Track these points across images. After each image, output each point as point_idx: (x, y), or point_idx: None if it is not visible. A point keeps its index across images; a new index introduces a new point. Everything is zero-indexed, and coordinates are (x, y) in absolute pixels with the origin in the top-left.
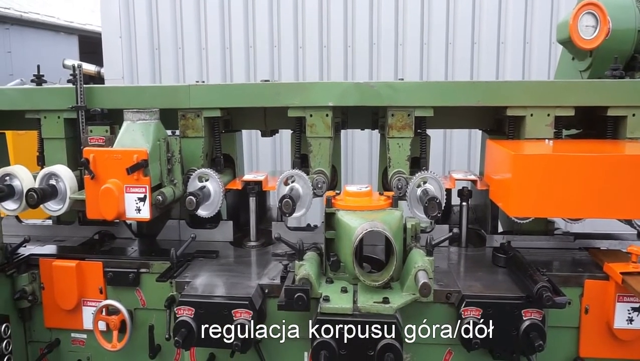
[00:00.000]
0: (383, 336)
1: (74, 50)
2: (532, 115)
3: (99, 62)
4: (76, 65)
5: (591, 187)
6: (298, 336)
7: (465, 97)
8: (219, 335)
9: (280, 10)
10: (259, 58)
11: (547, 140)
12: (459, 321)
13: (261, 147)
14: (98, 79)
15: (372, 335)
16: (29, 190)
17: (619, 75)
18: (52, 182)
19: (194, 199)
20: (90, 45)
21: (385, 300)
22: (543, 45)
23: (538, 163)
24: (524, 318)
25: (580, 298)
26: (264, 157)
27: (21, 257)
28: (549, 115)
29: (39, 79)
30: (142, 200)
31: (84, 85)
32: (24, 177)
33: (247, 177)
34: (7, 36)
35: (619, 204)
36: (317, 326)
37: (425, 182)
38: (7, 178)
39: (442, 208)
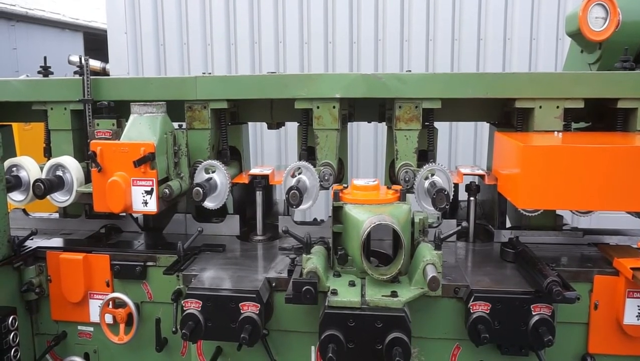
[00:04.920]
0: (391, 330)
1: (79, 47)
2: (540, 107)
3: (104, 59)
4: (83, 58)
5: (601, 179)
6: (305, 330)
7: (473, 89)
8: (226, 328)
9: (285, 6)
10: (264, 54)
11: (556, 133)
12: (468, 315)
13: (266, 141)
14: (103, 75)
15: (381, 328)
16: (35, 181)
17: (629, 66)
18: (59, 173)
19: (200, 190)
20: (95, 42)
21: (394, 294)
22: (550, 41)
23: (547, 154)
24: (533, 313)
25: (589, 293)
26: (269, 151)
27: (28, 250)
28: (558, 107)
29: (45, 71)
30: (149, 193)
31: (91, 77)
32: (30, 168)
33: (254, 170)
34: (13, 33)
35: (629, 196)
36: (324, 319)
37: (432, 174)
38: (14, 169)
39: (450, 200)
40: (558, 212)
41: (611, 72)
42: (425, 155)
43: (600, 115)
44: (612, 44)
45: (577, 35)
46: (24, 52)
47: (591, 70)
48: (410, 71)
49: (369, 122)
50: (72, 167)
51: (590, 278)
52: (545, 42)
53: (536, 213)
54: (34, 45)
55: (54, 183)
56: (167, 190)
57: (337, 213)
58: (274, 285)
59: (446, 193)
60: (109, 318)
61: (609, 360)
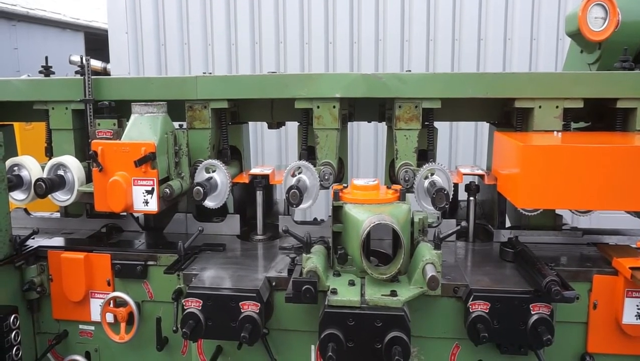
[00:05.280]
0: (391, 329)
1: (80, 46)
2: (540, 107)
3: (104, 59)
4: (84, 58)
5: (600, 179)
6: (305, 329)
7: (473, 88)
8: (227, 327)
9: (286, 6)
10: (265, 54)
11: (555, 132)
12: (467, 315)
13: (266, 140)
14: (104, 75)
15: (380, 327)
16: (37, 180)
17: (629, 66)
18: (60, 172)
19: (201, 189)
20: (96, 42)
21: (393, 293)
22: (550, 41)
23: (546, 154)
24: (532, 313)
25: (588, 293)
26: (269, 151)
27: (30, 249)
28: (557, 107)
29: (47, 70)
30: (150, 192)
31: (92, 77)
32: (32, 167)
33: (254, 170)
34: (14, 33)
35: (629, 196)
36: (324, 318)
37: (432, 174)
38: (16, 168)
39: (450, 199)
40: (557, 211)
41: (610, 72)
42: (425, 154)
43: (599, 115)
44: (612, 44)
45: (576, 35)
46: (25, 52)
47: (591, 70)
48: (410, 71)
49: (369, 121)
50: (73, 166)
51: (590, 278)
52: (546, 42)
53: (536, 213)
54: (35, 45)
55: (55, 183)
56: (167, 190)
57: (337, 213)
58: (274, 284)
59: (446, 192)
60: (110, 317)
61: (608, 360)
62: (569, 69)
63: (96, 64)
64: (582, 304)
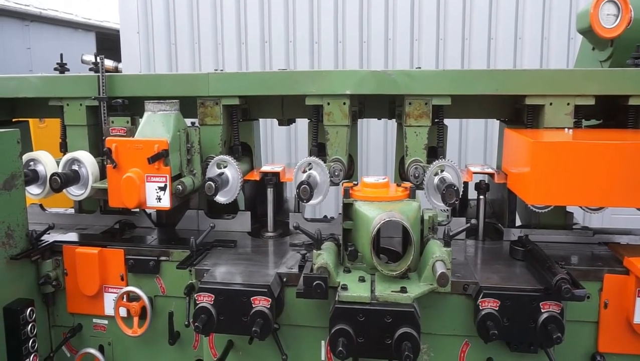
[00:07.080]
0: (401, 325)
1: (92, 46)
2: (551, 104)
3: (116, 58)
4: (98, 57)
5: (610, 175)
6: (316, 325)
7: (483, 85)
8: (238, 321)
9: (295, 6)
10: (275, 53)
11: (566, 129)
12: (477, 312)
13: (276, 138)
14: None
15: (390, 323)
16: (52, 175)
17: None
18: (75, 167)
19: (213, 184)
20: (107, 42)
21: (403, 290)
22: (561, 40)
23: (557, 150)
24: (542, 311)
25: (599, 292)
26: (279, 148)
27: (45, 244)
28: (568, 104)
29: (62, 67)
30: (163, 189)
31: (105, 74)
32: (47, 162)
33: (265, 168)
34: (27, 33)
35: (639, 192)
36: (335, 314)
37: (442, 170)
38: (32, 163)
39: (460, 195)
40: (568, 209)
41: (622, 69)
42: (435, 152)
43: (611, 113)
44: (624, 40)
45: (588, 33)
46: (38, 51)
47: (603, 68)
48: (420, 68)
49: (379, 118)
50: (87, 161)
51: (600, 277)
52: (557, 41)
53: (546, 211)
54: (47, 44)
55: (69, 177)
56: (180, 186)
57: (348, 210)
58: (284, 280)
59: (456, 188)
60: (123, 312)
61: (618, 359)
62: (580, 66)
63: (108, 63)
64: (592, 303)
